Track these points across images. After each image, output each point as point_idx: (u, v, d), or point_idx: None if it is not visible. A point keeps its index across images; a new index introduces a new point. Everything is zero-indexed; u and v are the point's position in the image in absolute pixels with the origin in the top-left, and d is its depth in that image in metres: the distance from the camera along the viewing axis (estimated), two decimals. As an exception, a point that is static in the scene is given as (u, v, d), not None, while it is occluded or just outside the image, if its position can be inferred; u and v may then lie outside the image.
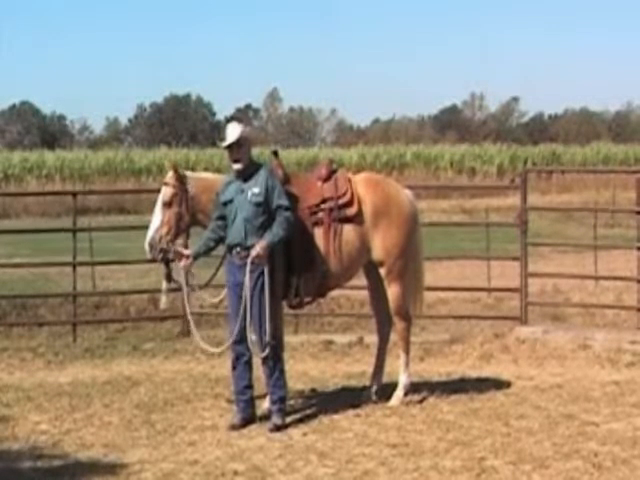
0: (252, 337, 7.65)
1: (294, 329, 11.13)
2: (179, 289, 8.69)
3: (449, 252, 16.35)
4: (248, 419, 7.69)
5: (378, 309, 8.55)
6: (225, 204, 7.68)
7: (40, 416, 8.06)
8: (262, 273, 7.53)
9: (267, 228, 7.57)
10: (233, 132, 7.63)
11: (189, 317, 8.22)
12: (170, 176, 7.96)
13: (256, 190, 7.59)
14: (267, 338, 7.54)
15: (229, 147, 7.65)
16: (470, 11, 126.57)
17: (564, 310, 12.24)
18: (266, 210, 7.59)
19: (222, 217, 7.74)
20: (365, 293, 9.09)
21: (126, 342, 11.10)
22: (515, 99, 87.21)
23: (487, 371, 9.49)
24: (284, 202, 7.61)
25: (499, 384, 8.89)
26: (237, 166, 7.66)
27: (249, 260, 7.48)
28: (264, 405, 7.94)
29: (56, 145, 62.09)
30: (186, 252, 7.90)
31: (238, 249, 7.61)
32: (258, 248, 7.46)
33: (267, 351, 7.59)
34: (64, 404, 8.44)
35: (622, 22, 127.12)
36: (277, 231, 7.55)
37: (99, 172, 46.50)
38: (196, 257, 7.85)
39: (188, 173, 8.13)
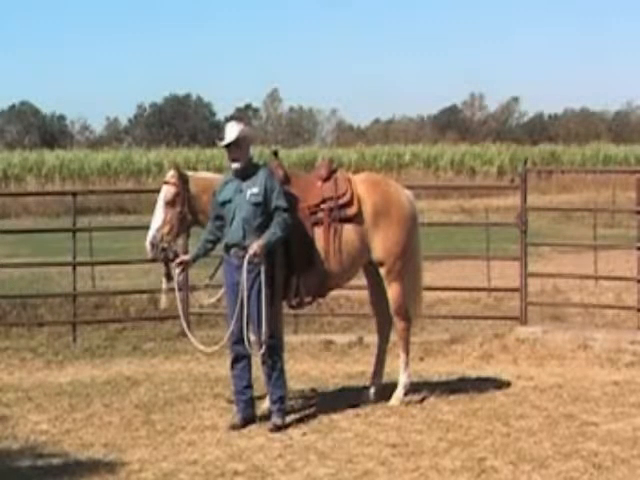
0: (250, 337, 7.65)
1: (294, 329, 11.13)
2: (179, 288, 8.69)
3: (449, 252, 16.37)
4: (248, 419, 7.69)
5: (378, 309, 8.55)
6: (223, 204, 7.67)
7: (40, 416, 8.06)
8: (259, 273, 7.53)
9: (265, 229, 7.56)
10: (232, 131, 7.63)
11: (182, 319, 8.52)
12: (171, 175, 7.95)
13: (255, 190, 7.59)
14: (264, 337, 7.54)
15: (228, 146, 7.65)
16: (470, 11, 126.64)
17: (564, 310, 12.24)
18: (265, 210, 7.58)
19: (219, 217, 7.74)
20: (365, 293, 9.08)
21: (126, 342, 11.09)
22: (515, 99, 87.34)
23: (487, 371, 9.49)
24: (283, 203, 7.61)
25: (499, 384, 8.89)
26: (236, 165, 7.66)
27: (246, 259, 7.48)
28: (264, 405, 7.94)
29: (56, 145, 62.04)
30: (185, 258, 7.91)
31: (236, 249, 7.61)
32: (255, 247, 7.46)
33: (264, 349, 7.58)
34: (64, 404, 8.44)
35: (622, 22, 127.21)
36: (275, 231, 7.55)
37: (99, 172, 46.46)
38: (195, 260, 7.89)
39: (189, 173, 8.14)
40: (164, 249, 7.86)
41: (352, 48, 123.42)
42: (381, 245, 8.15)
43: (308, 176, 8.53)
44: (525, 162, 12.30)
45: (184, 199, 7.87)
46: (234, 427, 7.59)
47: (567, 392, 8.61)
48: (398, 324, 8.40)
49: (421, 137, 64.53)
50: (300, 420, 7.81)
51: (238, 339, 7.61)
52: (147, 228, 7.96)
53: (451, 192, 34.24)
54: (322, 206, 7.99)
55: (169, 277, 8.19)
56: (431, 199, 31.31)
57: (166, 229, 7.86)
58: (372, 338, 9.41)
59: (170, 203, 7.86)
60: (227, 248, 7.70)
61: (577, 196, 34.70)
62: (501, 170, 49.59)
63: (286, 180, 7.97)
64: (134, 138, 78.01)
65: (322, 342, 10.67)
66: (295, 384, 8.71)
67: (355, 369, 9.58)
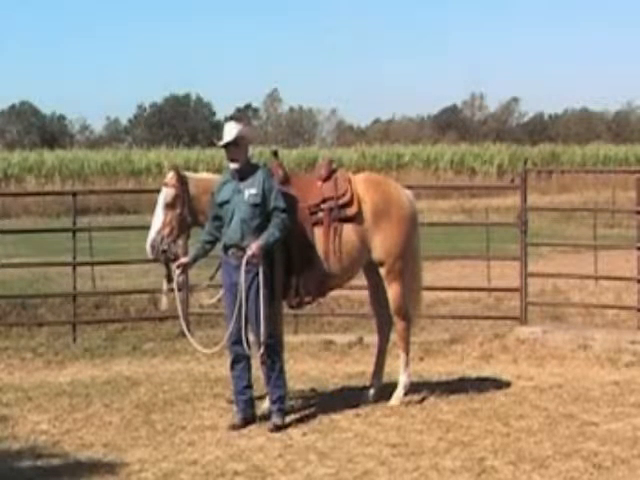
0: (249, 337, 7.65)
1: (294, 329, 11.13)
2: (179, 289, 8.71)
3: (449, 252, 16.36)
4: (248, 419, 7.69)
5: (378, 309, 8.55)
6: (221, 204, 7.67)
7: (40, 416, 8.06)
8: (257, 273, 7.52)
9: (263, 229, 7.56)
10: (230, 132, 7.62)
11: (182, 320, 8.50)
12: (171, 177, 7.94)
13: (253, 191, 7.58)
14: (262, 337, 7.54)
15: (226, 146, 7.65)
16: (470, 11, 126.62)
17: (564, 310, 12.25)
18: (263, 211, 7.58)
19: (217, 217, 7.74)
20: (365, 293, 9.09)
21: (126, 342, 11.09)
22: (515, 99, 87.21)
23: (487, 371, 9.49)
24: (281, 204, 7.61)
25: (499, 384, 8.89)
26: (234, 165, 7.66)
27: (244, 260, 7.48)
28: (264, 405, 7.94)
29: (56, 145, 61.99)
30: (185, 260, 7.91)
31: (234, 250, 7.60)
32: (253, 247, 7.46)
33: (262, 350, 7.59)
34: (64, 404, 8.44)
35: (622, 22, 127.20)
36: (273, 232, 7.55)
37: (99, 172, 46.44)
38: (194, 261, 7.90)
39: (188, 174, 8.13)
40: (164, 251, 7.86)
41: (352, 48, 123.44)
42: (381, 245, 8.15)
43: (308, 176, 8.53)
44: (525, 162, 12.32)
45: (184, 201, 7.86)
46: (234, 427, 7.59)
47: (567, 392, 8.61)
48: (398, 324, 8.40)
49: (421, 137, 64.47)
50: (300, 420, 7.81)
51: (237, 339, 7.61)
52: (147, 228, 7.97)
53: (451, 192, 34.27)
54: (322, 206, 8.00)
55: (170, 279, 8.21)
56: (431, 199, 31.32)
57: (166, 231, 7.86)
58: (372, 338, 9.41)
59: (170, 205, 7.85)
60: (225, 249, 7.69)
61: (577, 196, 34.70)
62: (501, 170, 49.58)
63: (286, 180, 7.97)
64: (134, 138, 77.92)
65: (322, 342, 10.67)
66: (295, 384, 8.71)
67: (355, 369, 9.58)
